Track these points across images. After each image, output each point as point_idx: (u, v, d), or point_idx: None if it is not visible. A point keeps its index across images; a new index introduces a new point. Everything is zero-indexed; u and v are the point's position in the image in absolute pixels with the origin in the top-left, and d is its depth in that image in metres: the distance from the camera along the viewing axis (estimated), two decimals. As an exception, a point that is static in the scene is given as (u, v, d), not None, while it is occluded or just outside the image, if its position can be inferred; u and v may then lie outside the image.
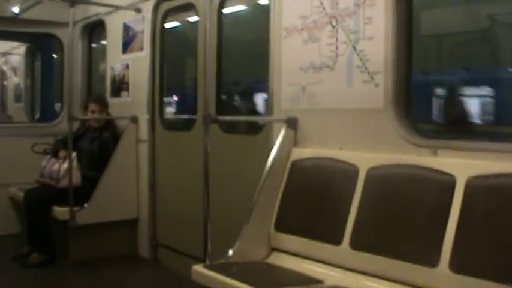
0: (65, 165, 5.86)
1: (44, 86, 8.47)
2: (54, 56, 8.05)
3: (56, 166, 5.99)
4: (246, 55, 5.41)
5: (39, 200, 5.88)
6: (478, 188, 2.96)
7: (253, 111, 5.04)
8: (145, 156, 6.09)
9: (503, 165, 2.93)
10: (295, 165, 3.95)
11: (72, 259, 5.89)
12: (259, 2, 5.38)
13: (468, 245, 2.90)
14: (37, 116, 8.79)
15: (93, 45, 7.57)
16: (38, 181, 6.13)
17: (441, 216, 3.02)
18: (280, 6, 4.25)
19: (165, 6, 5.87)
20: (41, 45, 8.29)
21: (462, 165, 3.08)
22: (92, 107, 6.30)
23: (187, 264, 3.74)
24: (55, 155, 6.15)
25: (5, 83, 10.74)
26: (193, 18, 5.53)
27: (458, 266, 2.90)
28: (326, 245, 3.56)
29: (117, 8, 6.40)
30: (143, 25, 6.10)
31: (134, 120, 6.19)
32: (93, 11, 6.96)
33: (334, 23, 3.84)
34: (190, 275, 3.62)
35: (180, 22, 6.21)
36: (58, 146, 6.23)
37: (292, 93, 4.16)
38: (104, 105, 6.36)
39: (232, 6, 5.33)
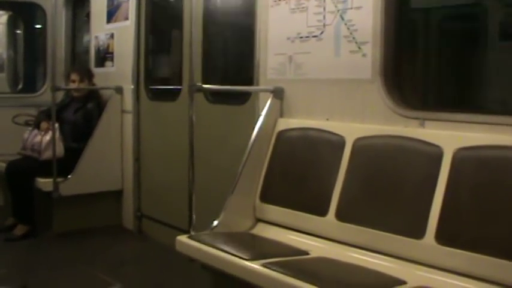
0: (47, 137, 5.80)
1: (27, 56, 8.33)
2: (38, 25, 7.90)
3: (38, 138, 5.92)
4: (232, 25, 5.33)
5: (22, 172, 5.82)
6: (464, 159, 2.95)
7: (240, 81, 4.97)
8: (130, 127, 6.02)
9: (490, 136, 2.91)
10: (281, 135, 3.91)
11: (56, 230, 5.83)
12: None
13: (454, 216, 2.89)
14: (20, 86, 8.66)
15: (77, 14, 7.44)
16: (20, 153, 6.05)
17: (428, 187, 3.01)
18: (267, -25, 4.18)
19: (150, -26, 5.78)
20: (24, 14, 8.13)
21: (449, 136, 3.06)
22: (73, 76, 6.21)
23: (172, 236, 3.71)
24: (37, 126, 6.07)
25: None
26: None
27: (444, 237, 2.89)
28: (311, 216, 3.54)
29: (101, -24, 6.29)
30: (128, -6, 6.00)
31: (119, 90, 6.10)
32: (77, -21, 6.85)
33: (322, -8, 3.78)
34: (174, 246, 3.60)
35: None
36: (41, 118, 6.16)
37: (278, 63, 4.10)
38: (84, 75, 6.24)
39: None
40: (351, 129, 3.53)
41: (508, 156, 2.81)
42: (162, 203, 5.65)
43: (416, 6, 4.04)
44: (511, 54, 3.58)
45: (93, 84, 6.34)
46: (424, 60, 3.96)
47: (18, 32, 8.52)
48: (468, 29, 4.03)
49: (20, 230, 5.75)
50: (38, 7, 7.40)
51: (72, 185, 5.80)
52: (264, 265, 3.02)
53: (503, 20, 3.79)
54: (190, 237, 3.54)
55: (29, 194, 5.82)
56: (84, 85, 6.19)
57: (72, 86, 6.19)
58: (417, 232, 2.98)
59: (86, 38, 7.24)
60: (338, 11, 3.68)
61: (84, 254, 5.30)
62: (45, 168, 5.66)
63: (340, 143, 3.52)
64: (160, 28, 6.12)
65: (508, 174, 2.77)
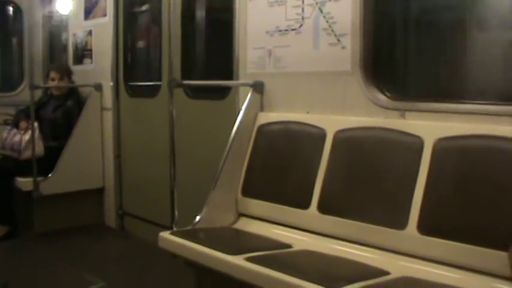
0: (27, 136, 5.75)
1: (4, 55, 8.23)
2: (14, 23, 7.81)
3: (17, 137, 5.87)
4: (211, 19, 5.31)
5: (1, 172, 5.75)
6: (445, 149, 2.96)
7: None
8: (110, 124, 5.99)
9: (470, 126, 2.93)
10: (262, 129, 3.90)
11: (37, 230, 5.79)
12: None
13: (436, 206, 2.91)
14: (-3, 86, 8.56)
15: (54, 11, 7.36)
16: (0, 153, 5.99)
17: (409, 178, 3.01)
18: (245, -32, 4.17)
19: (127, -30, 5.74)
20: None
21: (429, 127, 3.07)
22: (52, 74, 6.17)
23: (154, 233, 3.69)
24: (16, 125, 6.01)
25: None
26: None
27: (426, 227, 2.90)
28: (294, 210, 3.54)
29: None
30: (106, -11, 5.96)
31: (98, 87, 6.06)
32: (53, -24, 6.77)
33: (300, -15, 3.77)
34: (157, 243, 3.58)
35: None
36: (19, 117, 6.10)
37: (258, 57, 4.09)
38: (63, 73, 6.20)
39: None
40: (332, 122, 3.52)
41: (488, 145, 2.83)
42: (144, 200, 5.63)
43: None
44: (490, 45, 3.59)
45: (72, 82, 6.28)
46: (404, 51, 3.97)
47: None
48: (447, 19, 4.04)
49: (0, 230, 5.68)
50: (14, 4, 7.31)
51: (53, 184, 5.75)
52: (247, 259, 3.01)
53: (482, 11, 3.81)
54: (173, 233, 3.52)
55: (9, 194, 5.75)
56: (63, 83, 6.14)
57: (52, 84, 6.13)
58: (399, 223, 2.99)
59: (63, 36, 7.17)
60: (317, 3, 3.68)
61: (66, 253, 5.25)
62: (25, 167, 5.62)
63: (321, 135, 3.51)
64: (138, 24, 6.08)
65: (488, 163, 2.79)
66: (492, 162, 2.79)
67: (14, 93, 7.24)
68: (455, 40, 3.75)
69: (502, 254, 2.54)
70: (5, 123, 6.38)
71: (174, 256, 3.50)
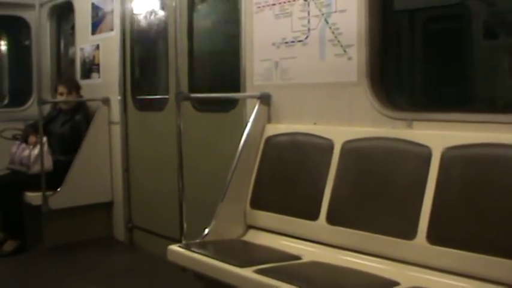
0: (36, 150, 5.78)
1: (13, 70, 8.29)
2: (23, 38, 7.87)
3: (26, 152, 5.89)
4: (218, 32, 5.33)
5: (11, 187, 5.77)
6: (453, 158, 2.95)
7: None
8: (118, 138, 6.00)
9: (478, 135, 2.92)
10: (270, 141, 3.90)
11: (46, 244, 5.80)
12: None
13: (445, 216, 2.89)
14: (6, 101, 8.61)
15: (62, 27, 7.42)
16: (9, 168, 6.01)
17: (418, 188, 3.01)
18: (251, -19, 4.19)
19: (134, -15, 5.78)
20: (8, 28, 8.09)
21: (437, 136, 3.06)
22: (60, 89, 6.20)
23: (163, 246, 3.69)
24: (25, 140, 6.04)
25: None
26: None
27: (435, 237, 2.89)
28: (303, 221, 3.53)
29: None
30: (112, 5, 5.99)
31: (106, 101, 6.09)
32: (60, -8, 6.83)
33: (305, -3, 3.79)
34: (166, 256, 3.58)
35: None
36: (28, 131, 6.14)
37: (264, 69, 4.10)
38: (72, 87, 6.22)
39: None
40: (339, 133, 3.52)
41: (496, 153, 2.82)
42: (152, 213, 5.63)
43: (400, 8, 4.05)
44: (495, 53, 3.60)
45: (80, 96, 6.31)
46: (410, 61, 3.98)
47: (3, 46, 8.47)
48: (452, 29, 4.05)
49: (10, 245, 5.70)
50: (22, 20, 7.37)
51: (62, 198, 5.77)
52: (256, 271, 3.01)
53: (487, 20, 3.82)
54: (182, 246, 3.52)
55: (19, 208, 5.77)
56: (72, 97, 6.17)
57: (60, 98, 6.17)
58: (408, 233, 2.98)
59: (71, 50, 7.22)
60: (322, 14, 3.68)
61: (75, 267, 5.26)
62: (34, 182, 5.63)
63: (328, 146, 3.51)
64: (145, 38, 6.12)
65: (496, 171, 2.78)
66: (501, 170, 2.77)
67: (22, 108, 7.30)
68: (461, 49, 3.76)
69: (512, 263, 2.53)
70: (14, 138, 6.42)
71: (184, 269, 3.50)
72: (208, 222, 3.77)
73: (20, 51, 7.83)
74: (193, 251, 3.42)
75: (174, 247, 3.53)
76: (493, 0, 3.84)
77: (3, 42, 8.40)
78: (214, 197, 3.89)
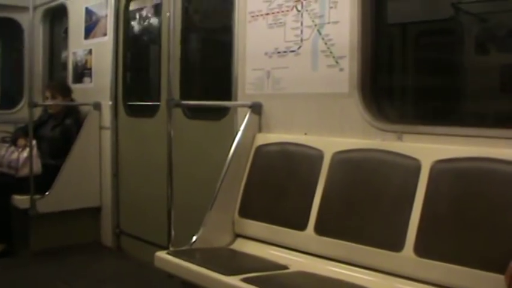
0: (24, 153, 5.76)
1: (4, 73, 8.27)
2: (15, 40, 7.85)
3: (15, 155, 5.87)
4: (211, 40, 5.35)
5: (-2, 189, 5.74)
6: (442, 172, 2.96)
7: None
8: (108, 143, 5.98)
9: (467, 149, 2.93)
10: (260, 150, 3.91)
11: (33, 248, 5.75)
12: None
13: (433, 228, 2.90)
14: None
15: (55, 30, 7.41)
16: (-4, 170, 6.00)
17: (406, 200, 3.02)
18: (245, -10, 4.20)
19: (128, -10, 5.78)
20: (1, 30, 8.08)
21: (427, 149, 3.07)
22: (46, 93, 6.22)
23: (151, 252, 3.68)
24: (14, 143, 6.02)
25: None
26: (158, 1, 5.44)
27: (423, 250, 2.90)
28: (291, 231, 3.54)
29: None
30: (106, 10, 5.99)
31: (97, 106, 6.07)
32: (54, -5, 6.82)
33: (299, 7, 3.80)
34: (153, 262, 3.57)
35: (144, 6, 6.11)
36: (18, 134, 6.11)
37: (256, 78, 4.11)
38: (56, 92, 6.18)
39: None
40: (329, 143, 3.53)
41: (485, 167, 2.84)
42: (141, 220, 5.61)
43: (393, 21, 4.08)
44: (486, 68, 3.63)
45: (72, 100, 6.29)
46: (401, 74, 4.00)
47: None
48: (444, 43, 4.08)
49: (-5, 249, 5.66)
50: (16, 23, 7.35)
51: (50, 202, 5.74)
52: (243, 280, 3.00)
53: (479, 35, 3.84)
54: (169, 253, 3.51)
55: (6, 211, 5.73)
56: (56, 102, 6.13)
57: (46, 102, 6.15)
58: (396, 245, 2.99)
59: (63, 54, 7.20)
60: (315, 25, 3.70)
61: (62, 272, 5.22)
62: (21, 185, 5.60)
63: (318, 157, 3.52)
64: (138, 44, 6.12)
65: (485, 185, 2.80)
66: (489, 184, 2.79)
67: (13, 110, 7.28)
68: (453, 62, 3.78)
69: (499, 277, 2.53)
70: (3, 140, 6.39)
71: (171, 276, 3.49)
72: (196, 229, 3.76)
73: (12, 54, 7.81)
74: (180, 258, 3.41)
75: (162, 254, 3.53)
76: (485, 15, 3.87)
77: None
78: (203, 205, 3.89)
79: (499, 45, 3.78)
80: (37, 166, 5.70)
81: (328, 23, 3.62)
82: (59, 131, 6.04)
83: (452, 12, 3.98)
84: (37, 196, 5.63)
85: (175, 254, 3.49)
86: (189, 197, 4.47)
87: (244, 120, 4.00)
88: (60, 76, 7.16)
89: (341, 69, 3.55)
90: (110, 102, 5.93)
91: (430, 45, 4.17)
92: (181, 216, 3.86)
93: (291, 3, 3.86)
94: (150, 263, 3.67)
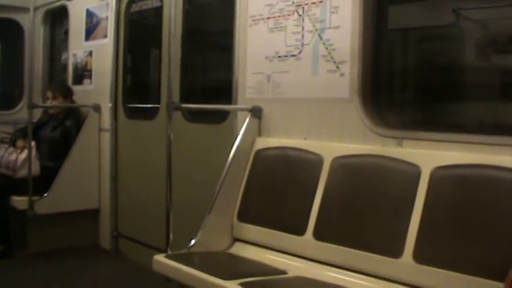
0: (23, 155, 5.75)
1: (4, 73, 8.26)
2: (15, 41, 7.85)
3: (13, 156, 5.86)
4: (211, 43, 5.35)
5: (-4, 190, 5.73)
6: (442, 178, 2.96)
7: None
8: (108, 145, 5.97)
9: (467, 155, 2.93)
10: (259, 154, 3.90)
11: (30, 250, 5.75)
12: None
13: (432, 235, 2.90)
14: (-4, 103, 8.57)
15: (56, 31, 7.40)
16: (-5, 171, 5.99)
17: (406, 206, 3.01)
18: (247, -6, 4.20)
19: (129, -7, 5.78)
20: (1, 30, 8.08)
21: (427, 155, 3.07)
22: (47, 94, 6.20)
23: (149, 255, 3.67)
24: (13, 144, 6.01)
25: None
26: (158, 4, 5.43)
27: (422, 256, 2.90)
28: (289, 236, 3.53)
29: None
30: (107, 12, 5.99)
31: (96, 108, 6.06)
32: (55, -4, 6.81)
33: (300, 12, 3.80)
34: (151, 266, 3.56)
35: (144, 8, 6.10)
36: (17, 135, 6.10)
37: (257, 82, 4.11)
38: (58, 93, 6.17)
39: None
40: (329, 148, 3.53)
41: (485, 174, 2.83)
42: (139, 223, 5.60)
43: (394, 26, 4.07)
44: (487, 74, 3.61)
45: (72, 102, 6.28)
46: (402, 79, 3.99)
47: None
48: (445, 49, 4.07)
49: (-7, 249, 5.65)
50: (16, 23, 7.34)
51: (48, 203, 5.72)
52: (241, 285, 2.99)
53: (479, 42, 3.84)
54: (167, 257, 3.50)
55: (4, 212, 5.71)
56: (57, 103, 6.12)
57: (49, 103, 6.14)
58: (395, 251, 2.98)
59: (64, 56, 7.20)
60: (316, 30, 3.70)
61: (60, 274, 5.21)
62: (20, 186, 5.59)
63: (318, 162, 3.52)
64: (139, 46, 6.11)
65: (484, 192, 2.80)
66: (488, 191, 2.79)
67: (12, 111, 7.26)
68: (454, 68, 3.76)
69: (498, 285, 2.52)
70: (2, 141, 6.38)
71: (168, 280, 3.48)
72: (194, 233, 3.75)
73: (12, 54, 7.80)
74: (178, 262, 3.40)
75: (160, 257, 3.51)
76: (486, 22, 3.86)
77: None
78: (201, 208, 3.88)
79: (500, 51, 3.77)
80: (35, 168, 5.69)
81: (329, 27, 3.62)
82: (59, 132, 6.02)
83: (454, 18, 3.98)
84: (35, 197, 5.62)
85: (173, 257, 3.48)
86: (187, 200, 4.46)
87: (244, 124, 4.00)
88: (60, 78, 7.14)
89: (342, 74, 3.55)
90: (110, 104, 5.92)
91: (431, 51, 4.15)
92: (180, 219, 3.85)
93: (292, 8, 3.86)
94: (147, 266, 3.66)
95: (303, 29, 3.79)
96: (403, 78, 3.95)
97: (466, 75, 3.78)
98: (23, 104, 7.15)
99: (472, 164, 2.89)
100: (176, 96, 4.75)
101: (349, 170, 3.39)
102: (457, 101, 3.64)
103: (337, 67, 3.58)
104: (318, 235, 3.38)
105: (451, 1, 3.83)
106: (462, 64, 3.76)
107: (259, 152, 3.91)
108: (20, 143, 5.91)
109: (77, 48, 6.52)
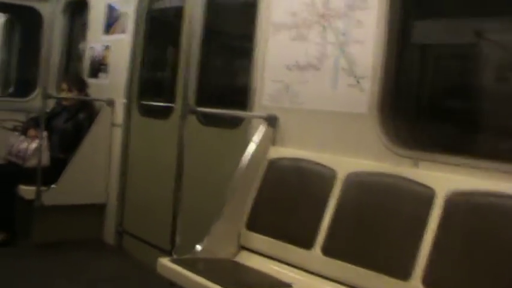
0: (34, 144, 5.75)
1: (21, 60, 8.27)
2: (34, 30, 7.85)
3: (24, 144, 5.88)
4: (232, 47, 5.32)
5: (4, 178, 5.72)
6: (457, 203, 2.91)
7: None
8: (119, 141, 5.96)
9: (485, 182, 2.87)
10: (272, 164, 3.86)
11: (34, 240, 5.74)
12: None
13: (442, 261, 2.85)
14: (10, 90, 8.57)
15: (75, 22, 7.40)
16: (6, 158, 5.98)
17: (417, 229, 2.96)
18: (270, 0, 4.16)
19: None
20: (21, 17, 8.08)
21: (443, 179, 3.02)
22: (62, 85, 6.21)
23: (152, 254, 3.67)
24: (25, 133, 6.00)
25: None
26: (179, 4, 5.41)
27: (430, 281, 2.84)
28: (297, 249, 3.49)
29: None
30: (127, 7, 5.97)
31: (110, 103, 6.04)
32: (78, -13, 6.82)
33: (324, 23, 3.76)
34: (154, 265, 3.55)
35: (165, 7, 6.09)
36: (29, 124, 6.11)
37: (274, 90, 4.07)
38: (72, 85, 6.18)
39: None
40: (343, 164, 3.48)
41: (501, 203, 2.78)
42: (145, 221, 5.58)
43: (416, 41, 4.02)
44: (506, 96, 3.56)
45: (87, 95, 6.27)
46: (422, 98, 3.94)
47: (15, 35, 8.45)
48: (465, 68, 4.02)
49: (-4, 237, 5.64)
50: (36, 12, 7.34)
51: (55, 194, 5.72)
52: (245, 295, 2.96)
53: (501, 62, 3.79)
54: (172, 261, 3.48)
55: (11, 200, 5.72)
56: (72, 95, 6.12)
57: (63, 94, 6.13)
58: (404, 273, 2.93)
59: (81, 47, 7.19)
60: (339, 43, 3.66)
61: (61, 267, 5.22)
62: (28, 175, 5.59)
63: (331, 176, 3.47)
64: (157, 44, 6.09)
65: (499, 222, 2.74)
66: (503, 221, 2.73)
67: (25, 99, 7.25)
68: (476, 90, 3.71)
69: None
70: (14, 129, 6.37)
71: (172, 284, 3.46)
72: (200, 237, 3.72)
73: (31, 43, 7.80)
74: (183, 267, 3.37)
75: (164, 261, 3.49)
76: (507, 43, 3.81)
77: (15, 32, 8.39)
78: (210, 213, 3.84)
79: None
80: (45, 158, 5.70)
81: (352, 41, 3.58)
82: (72, 125, 6.03)
83: (476, 39, 3.93)
84: (43, 188, 5.61)
85: (178, 262, 3.46)
86: (196, 203, 4.43)
87: (258, 132, 3.96)
88: (76, 70, 7.14)
89: (361, 90, 3.50)
90: (124, 100, 5.90)
91: (453, 71, 4.10)
92: (187, 222, 3.82)
93: (316, 18, 3.81)
94: (150, 265, 3.65)
95: (325, 40, 3.74)
96: (423, 97, 3.90)
97: (489, 99, 3.73)
98: (37, 92, 7.14)
99: (488, 192, 2.83)
100: (192, 98, 4.73)
101: (363, 187, 3.35)
102: (477, 124, 3.59)
103: (358, 81, 3.53)
104: (326, 250, 3.33)
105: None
106: (486, 87, 3.71)
107: (272, 162, 3.87)
108: (31, 132, 5.91)
109: (95, 41, 6.52)
